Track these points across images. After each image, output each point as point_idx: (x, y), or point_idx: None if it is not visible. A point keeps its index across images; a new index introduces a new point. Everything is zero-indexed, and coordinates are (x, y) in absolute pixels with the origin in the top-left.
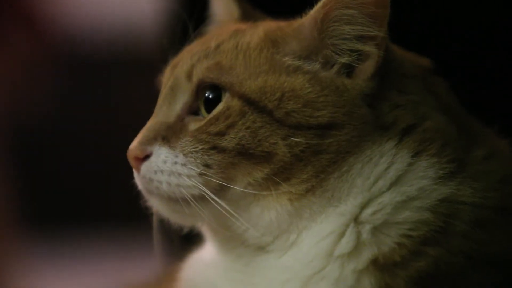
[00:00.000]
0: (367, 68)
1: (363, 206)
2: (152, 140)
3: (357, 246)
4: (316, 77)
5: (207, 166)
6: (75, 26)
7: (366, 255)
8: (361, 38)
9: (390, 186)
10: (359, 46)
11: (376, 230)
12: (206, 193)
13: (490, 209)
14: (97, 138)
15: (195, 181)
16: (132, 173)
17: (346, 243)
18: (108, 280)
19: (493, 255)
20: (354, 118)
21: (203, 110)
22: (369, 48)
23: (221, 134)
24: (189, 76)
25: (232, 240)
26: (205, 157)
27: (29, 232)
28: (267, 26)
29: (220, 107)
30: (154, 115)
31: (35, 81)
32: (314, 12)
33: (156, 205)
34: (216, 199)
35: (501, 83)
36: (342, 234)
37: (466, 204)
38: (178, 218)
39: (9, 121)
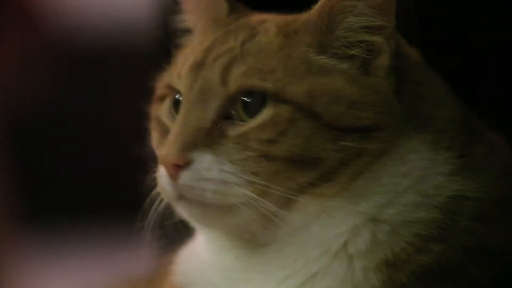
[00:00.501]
0: (383, 61)
1: (385, 206)
2: (191, 146)
3: (371, 246)
4: (351, 76)
5: (255, 173)
6: (73, 21)
7: (379, 254)
8: (371, 29)
9: (413, 185)
10: (369, 37)
11: (392, 230)
12: (258, 201)
13: (491, 203)
14: (95, 134)
15: (245, 190)
16: (130, 170)
17: (361, 242)
18: (106, 275)
19: (492, 248)
20: (392, 117)
21: (242, 115)
22: (379, 38)
23: (271, 141)
24: (223, 80)
25: (237, 239)
26: (254, 164)
27: (27, 229)
28: (280, 22)
29: (267, 113)
30: (184, 119)
31: (32, 76)
32: (320, 5)
33: (190, 212)
34: (272, 206)
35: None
36: (357, 233)
37: (470, 199)
38: (211, 224)
39: (6, 117)
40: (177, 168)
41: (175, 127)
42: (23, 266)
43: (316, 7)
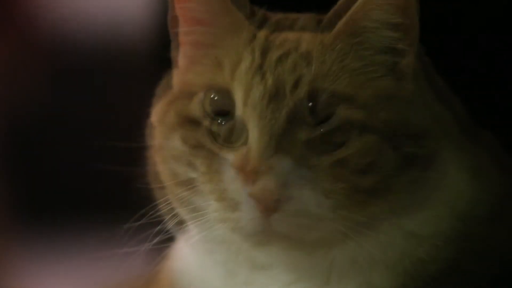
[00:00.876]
0: (409, 67)
1: (424, 223)
2: (290, 180)
3: (398, 258)
4: (395, 80)
5: (344, 206)
6: (71, 24)
7: (401, 265)
8: (393, 31)
9: (446, 199)
10: (391, 41)
11: (419, 244)
12: (341, 232)
13: (494, 204)
14: (93, 135)
15: (337, 224)
16: (128, 171)
17: (391, 255)
18: (104, 276)
19: (493, 249)
20: (435, 123)
21: (320, 145)
22: (402, 43)
23: (361, 172)
24: (312, 110)
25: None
26: (345, 196)
27: (24, 230)
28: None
29: (356, 142)
30: (272, 152)
31: (32, 77)
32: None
33: (269, 246)
34: (359, 240)
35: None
36: (392, 246)
37: (478, 201)
38: (280, 255)
39: (6, 118)
40: (276, 203)
41: (256, 149)
42: (21, 267)
43: (339, 27)
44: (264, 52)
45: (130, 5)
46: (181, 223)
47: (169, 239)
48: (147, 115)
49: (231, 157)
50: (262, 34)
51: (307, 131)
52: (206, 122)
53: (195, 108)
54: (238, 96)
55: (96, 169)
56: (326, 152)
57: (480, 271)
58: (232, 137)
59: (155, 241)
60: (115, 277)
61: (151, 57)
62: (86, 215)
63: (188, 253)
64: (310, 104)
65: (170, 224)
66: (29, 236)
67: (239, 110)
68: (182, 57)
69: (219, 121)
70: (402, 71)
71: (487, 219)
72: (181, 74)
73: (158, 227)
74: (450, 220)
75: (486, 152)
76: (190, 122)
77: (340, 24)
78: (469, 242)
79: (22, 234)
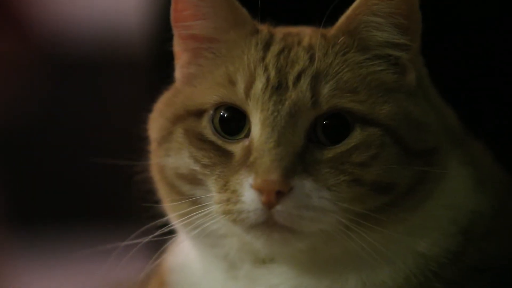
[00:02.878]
0: (412, 80)
1: (433, 244)
2: (292, 172)
3: (401, 253)
4: (397, 74)
5: (347, 199)
6: (62, 26)
7: (405, 261)
8: (396, 46)
9: (454, 217)
10: (394, 52)
11: (426, 263)
12: (344, 226)
13: (494, 217)
14: (88, 139)
15: (339, 216)
16: (122, 175)
17: (399, 275)
18: (99, 279)
19: (493, 264)
20: (444, 138)
21: (322, 137)
22: (404, 55)
23: (363, 165)
24: (315, 102)
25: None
26: (347, 189)
27: (18, 235)
28: (316, 37)
29: (357, 136)
30: (275, 143)
31: (20, 81)
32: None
33: (272, 239)
34: (363, 234)
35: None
36: (401, 267)
37: (480, 215)
38: (285, 250)
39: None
40: (279, 195)
41: (265, 150)
42: (15, 271)
43: (341, 21)
44: (280, 72)
45: (128, 4)
46: (181, 216)
47: (170, 232)
48: (146, 110)
49: (234, 149)
50: (271, 51)
51: (309, 123)
52: (218, 141)
53: (204, 126)
54: (241, 87)
55: (95, 167)
56: (328, 144)
57: (482, 267)
58: (233, 128)
59: (155, 234)
60: (116, 271)
61: (150, 54)
62: (85, 213)
63: (189, 247)
64: (313, 96)
65: (170, 218)
66: (22, 243)
67: (240, 101)
68: (183, 50)
69: (221, 113)
70: (404, 66)
71: (489, 234)
72: (184, 68)
73: (159, 221)
74: (456, 236)
75: (485, 165)
76: (204, 141)
77: (342, 18)
78: (471, 259)
79: (21, 233)
